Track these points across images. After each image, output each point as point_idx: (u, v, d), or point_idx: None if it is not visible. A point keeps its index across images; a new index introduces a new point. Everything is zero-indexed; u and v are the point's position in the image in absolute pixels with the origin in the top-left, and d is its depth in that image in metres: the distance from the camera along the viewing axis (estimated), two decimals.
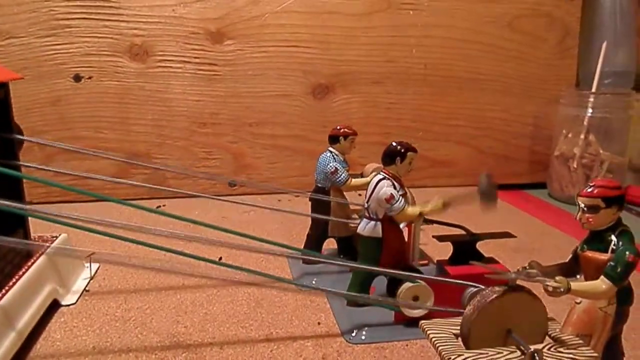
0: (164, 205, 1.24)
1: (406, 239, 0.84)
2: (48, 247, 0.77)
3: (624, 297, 0.50)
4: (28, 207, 0.67)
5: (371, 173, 0.85)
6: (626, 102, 1.36)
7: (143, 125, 1.29)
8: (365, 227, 0.70)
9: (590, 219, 0.49)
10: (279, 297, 0.79)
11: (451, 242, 0.74)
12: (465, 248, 0.74)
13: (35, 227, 0.78)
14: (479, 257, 0.74)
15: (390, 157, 0.68)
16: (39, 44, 1.20)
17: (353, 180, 0.83)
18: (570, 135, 1.39)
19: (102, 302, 0.77)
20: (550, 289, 0.47)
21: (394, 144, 0.69)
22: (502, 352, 0.47)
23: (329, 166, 0.83)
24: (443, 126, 1.45)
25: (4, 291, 0.63)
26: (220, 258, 0.86)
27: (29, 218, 0.76)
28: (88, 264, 0.86)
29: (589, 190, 0.49)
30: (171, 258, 0.73)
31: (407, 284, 0.67)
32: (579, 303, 0.51)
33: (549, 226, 1.15)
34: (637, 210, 1.30)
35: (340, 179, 0.82)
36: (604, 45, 1.43)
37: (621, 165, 1.36)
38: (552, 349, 0.48)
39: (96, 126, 1.27)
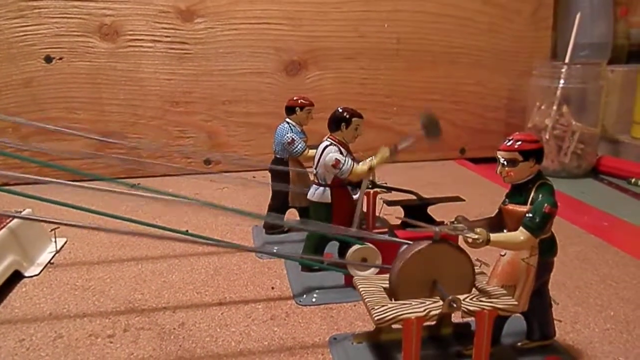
0: (138, 184, 1.25)
1: (366, 206, 0.86)
2: (9, 220, 0.78)
3: (546, 248, 0.51)
4: None
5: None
6: (598, 72, 1.36)
7: (116, 105, 1.30)
8: (315, 193, 0.71)
9: (510, 172, 0.50)
10: (238, 265, 0.81)
11: (401, 206, 0.76)
12: (416, 212, 0.75)
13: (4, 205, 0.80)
14: (430, 220, 0.76)
15: (336, 123, 0.69)
16: (8, 26, 1.20)
17: (310, 150, 0.84)
18: (543, 107, 1.40)
19: (64, 273, 0.79)
20: (470, 240, 0.48)
21: (339, 110, 0.70)
22: (424, 302, 0.49)
23: (285, 137, 0.84)
24: (418, 100, 1.46)
25: None
26: (187, 230, 0.88)
27: None
28: (54, 239, 0.87)
29: (507, 144, 0.50)
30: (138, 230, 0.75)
31: (355, 246, 0.69)
32: (503, 255, 0.52)
33: None
34: (609, 180, 1.32)
35: (296, 149, 0.83)
36: (578, 16, 1.43)
37: (593, 135, 1.37)
38: (474, 299, 0.50)
39: (69, 107, 1.28)
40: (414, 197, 0.77)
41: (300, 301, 0.69)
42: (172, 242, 0.88)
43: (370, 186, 0.77)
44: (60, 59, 1.25)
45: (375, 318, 0.47)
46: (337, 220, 0.71)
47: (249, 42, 1.33)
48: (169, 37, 1.29)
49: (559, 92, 1.36)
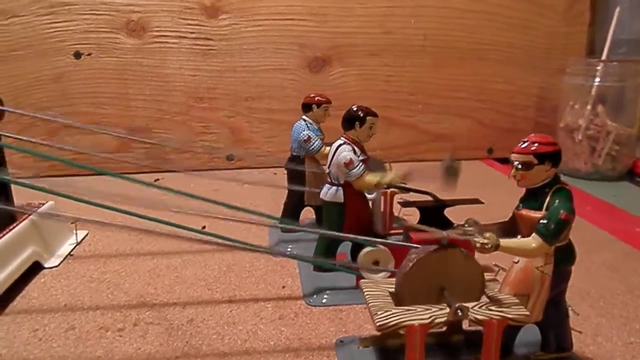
0: (162, 178, 1.27)
1: (382, 207, 0.84)
2: (32, 212, 0.81)
3: (562, 257, 0.49)
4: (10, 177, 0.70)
5: None
6: (637, 70, 1.30)
7: (142, 100, 1.32)
8: (327, 193, 0.70)
9: (525, 176, 0.48)
10: (251, 262, 0.80)
11: (417, 208, 0.74)
12: (432, 214, 0.73)
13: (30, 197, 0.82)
14: (447, 223, 0.74)
15: (350, 121, 0.68)
16: (39, 22, 1.24)
17: (327, 148, 0.83)
18: (577, 106, 1.34)
19: (82, 265, 0.80)
20: (478, 245, 0.46)
21: (354, 108, 0.69)
22: (430, 309, 0.47)
23: (302, 134, 0.83)
24: (443, 98, 1.43)
25: None
26: (204, 227, 0.89)
27: (13, 188, 0.80)
28: (75, 231, 0.89)
29: (522, 146, 0.48)
30: (157, 227, 0.76)
31: (367, 248, 0.67)
32: (517, 262, 0.50)
33: None
34: None
35: (313, 147, 0.82)
36: (617, 11, 1.36)
37: (629, 136, 1.30)
38: (483, 307, 0.48)
39: (97, 102, 1.31)
40: (431, 199, 0.75)
41: (310, 301, 0.68)
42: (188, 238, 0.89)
43: (386, 186, 0.75)
44: (89, 54, 1.28)
45: (378, 324, 0.46)
46: (349, 221, 0.70)
47: (273, 39, 1.32)
48: (193, 33, 1.30)
49: (594, 91, 1.30)
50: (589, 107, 1.30)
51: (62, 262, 0.81)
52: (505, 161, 1.48)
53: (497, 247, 0.46)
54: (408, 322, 0.46)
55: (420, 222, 0.74)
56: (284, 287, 0.73)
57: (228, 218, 0.71)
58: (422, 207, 0.73)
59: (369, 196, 0.81)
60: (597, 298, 0.69)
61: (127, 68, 1.30)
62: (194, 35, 1.30)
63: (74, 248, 0.87)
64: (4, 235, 0.73)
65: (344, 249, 0.75)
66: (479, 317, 0.46)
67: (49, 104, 1.29)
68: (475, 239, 0.46)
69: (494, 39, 1.39)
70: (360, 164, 0.67)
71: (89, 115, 1.30)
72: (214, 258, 0.82)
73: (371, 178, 0.68)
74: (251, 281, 0.75)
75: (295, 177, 0.86)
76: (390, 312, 0.47)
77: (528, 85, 1.44)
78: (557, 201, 0.46)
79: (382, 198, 0.85)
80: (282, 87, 1.36)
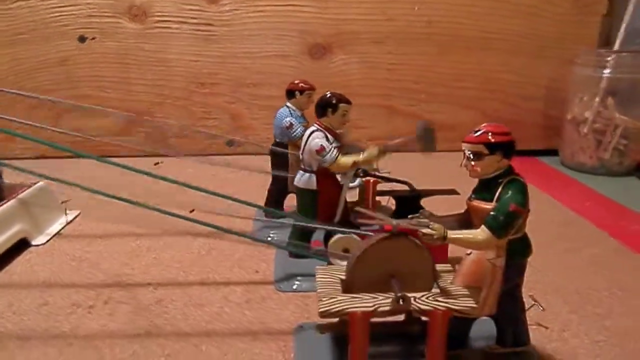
0: (161, 162, 1.29)
1: (366, 195, 0.84)
2: (21, 191, 0.83)
3: (515, 250, 0.47)
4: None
5: None
6: None
7: (143, 85, 1.34)
8: (300, 179, 0.70)
9: (476, 167, 0.46)
10: (231, 246, 0.81)
11: (393, 197, 0.73)
12: (408, 203, 0.73)
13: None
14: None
15: (322, 108, 0.67)
16: (44, 7, 1.26)
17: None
18: (585, 98, 1.29)
19: (68, 244, 0.83)
20: (423, 235, 0.45)
21: (327, 94, 0.68)
22: (376, 297, 0.47)
23: (284, 121, 0.83)
24: (448, 88, 1.40)
25: None
26: (192, 210, 0.90)
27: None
28: (65, 211, 0.91)
29: (473, 135, 0.46)
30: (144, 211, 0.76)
31: (337, 236, 0.67)
32: (469, 254, 0.49)
33: (541, 193, 1.09)
34: None
35: (295, 133, 0.82)
36: (633, 0, 1.31)
37: (639, 130, 1.26)
38: (430, 297, 0.47)
39: (100, 85, 1.33)
40: (407, 188, 0.74)
41: (280, 287, 0.69)
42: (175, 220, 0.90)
43: (361, 174, 0.74)
44: (93, 39, 1.30)
45: (320, 310, 0.46)
46: (323, 208, 0.70)
47: (274, 25, 1.32)
48: (195, 18, 1.30)
49: (603, 83, 1.25)
50: (597, 99, 1.26)
51: (49, 240, 0.84)
52: None
53: (444, 238, 0.46)
54: (351, 310, 0.45)
55: (396, 211, 0.74)
56: (257, 271, 0.73)
57: (209, 211, 0.71)
58: (398, 197, 0.72)
59: (352, 185, 0.80)
60: (572, 293, 0.67)
61: (129, 53, 1.31)
62: (195, 21, 1.31)
63: (63, 227, 0.89)
64: None
65: (320, 236, 0.75)
66: (423, 307, 0.46)
67: (54, 87, 1.31)
68: (422, 230, 0.46)
69: (501, 27, 1.35)
70: (333, 149, 0.66)
71: (92, 99, 1.33)
72: (196, 242, 0.83)
73: (346, 159, 0.67)
74: (227, 265, 0.75)
75: (279, 164, 0.86)
76: (335, 299, 0.47)
77: (536, 75, 1.39)
78: (508, 193, 0.45)
79: (367, 185, 0.84)
80: (282, 74, 1.35)
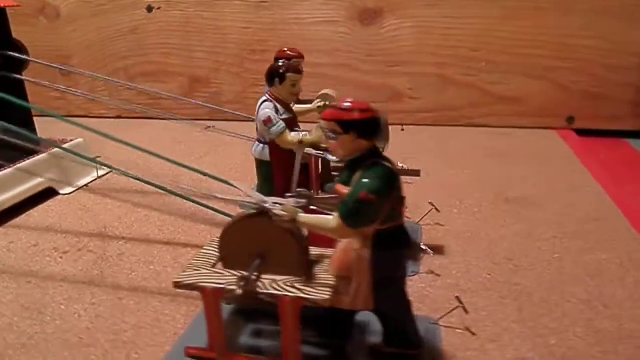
0: (213, 126, 1.36)
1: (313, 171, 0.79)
2: (56, 146, 0.95)
3: (383, 241, 0.42)
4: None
5: (315, 100, 0.82)
6: None
7: (202, 52, 1.41)
8: (255, 150, 0.69)
9: (334, 146, 0.42)
10: (214, 216, 0.83)
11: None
12: None
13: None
14: None
15: (269, 77, 0.65)
16: None
17: (296, 106, 0.81)
18: None
19: (86, 196, 0.93)
20: (274, 216, 0.43)
21: (279, 63, 0.65)
22: (226, 275, 0.46)
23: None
24: (513, 55, 1.24)
25: None
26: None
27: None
28: (97, 167, 1.02)
29: (328, 110, 0.41)
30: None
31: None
32: (340, 242, 0.45)
33: (597, 185, 0.92)
34: None
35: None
36: None
37: None
38: (288, 283, 0.45)
39: (165, 52, 1.43)
40: None
41: None
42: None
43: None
44: (159, 8, 1.40)
45: (174, 280, 0.46)
46: (278, 180, 0.68)
47: None
48: None
49: None
50: None
51: (74, 191, 0.95)
52: (588, 133, 1.25)
53: (294, 221, 0.42)
54: (201, 284, 0.45)
55: None
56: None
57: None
58: None
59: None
60: (536, 301, 0.58)
61: (190, 21, 1.39)
62: None
63: (92, 181, 1.00)
64: (20, 162, 0.88)
65: None
66: (273, 292, 0.44)
67: (128, 54, 1.45)
68: (274, 211, 0.43)
69: None
70: (280, 122, 0.64)
71: (159, 65, 1.44)
72: (186, 205, 0.87)
73: (293, 136, 0.65)
74: (198, 229, 0.79)
75: None
76: (198, 272, 0.47)
77: (627, 41, 1.16)
78: (363, 179, 0.40)
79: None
80: (331, 41, 1.32)
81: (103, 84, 1.48)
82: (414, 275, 0.63)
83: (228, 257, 0.48)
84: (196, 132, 1.29)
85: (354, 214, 0.40)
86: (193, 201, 0.73)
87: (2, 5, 0.87)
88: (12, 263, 0.70)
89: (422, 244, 0.61)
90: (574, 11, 1.17)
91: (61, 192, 0.94)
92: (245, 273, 0.45)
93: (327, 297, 0.43)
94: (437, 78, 1.30)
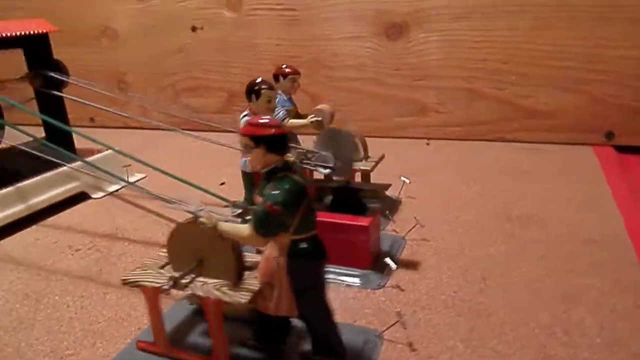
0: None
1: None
2: (88, 156, 1.06)
3: (298, 250, 0.44)
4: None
5: (310, 115, 0.85)
6: None
7: (238, 68, 1.49)
8: (241, 162, 0.73)
9: (251, 158, 0.44)
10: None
11: (330, 188, 0.71)
12: (345, 195, 0.69)
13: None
14: (359, 206, 0.69)
15: (247, 93, 0.69)
16: (170, 2, 1.50)
17: (291, 121, 0.84)
18: None
19: (112, 201, 1.02)
20: (200, 224, 0.46)
21: (256, 80, 0.69)
22: (166, 276, 0.50)
23: None
24: (544, 68, 1.19)
25: (27, 180, 0.94)
26: (223, 183, 1.03)
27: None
28: (127, 174, 1.12)
29: (244, 126, 0.44)
30: None
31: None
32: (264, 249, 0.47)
33: (614, 206, 0.86)
34: None
35: (277, 117, 0.84)
36: None
37: None
38: (217, 287, 0.48)
39: (206, 69, 1.53)
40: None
41: None
42: None
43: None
44: (201, 28, 1.50)
45: (121, 277, 0.51)
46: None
47: (349, 6, 1.31)
48: (281, 4, 1.39)
49: None
50: None
51: (104, 196, 1.05)
52: (630, 150, 1.16)
53: (215, 228, 0.46)
54: (142, 283, 0.50)
55: (333, 202, 0.71)
56: None
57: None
58: (334, 189, 0.70)
59: (322, 171, 0.80)
60: (494, 323, 0.56)
61: (227, 39, 1.47)
62: (281, 7, 1.39)
63: (122, 187, 1.09)
64: (54, 169, 0.99)
65: None
66: (199, 293, 0.47)
67: (175, 70, 1.57)
68: (200, 219, 0.47)
69: None
70: None
71: (200, 80, 1.54)
72: None
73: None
74: None
75: None
76: (143, 272, 0.51)
77: None
78: (270, 190, 0.42)
79: None
80: (358, 56, 1.34)
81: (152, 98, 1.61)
82: (379, 288, 0.64)
83: (173, 260, 0.52)
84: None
85: (262, 224, 0.43)
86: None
87: (46, 30, 0.99)
88: (32, 257, 0.79)
89: (386, 258, 0.61)
90: (608, 20, 1.11)
91: (93, 196, 1.04)
92: (177, 274, 0.49)
93: (244, 300, 0.45)
94: (465, 92, 1.28)
